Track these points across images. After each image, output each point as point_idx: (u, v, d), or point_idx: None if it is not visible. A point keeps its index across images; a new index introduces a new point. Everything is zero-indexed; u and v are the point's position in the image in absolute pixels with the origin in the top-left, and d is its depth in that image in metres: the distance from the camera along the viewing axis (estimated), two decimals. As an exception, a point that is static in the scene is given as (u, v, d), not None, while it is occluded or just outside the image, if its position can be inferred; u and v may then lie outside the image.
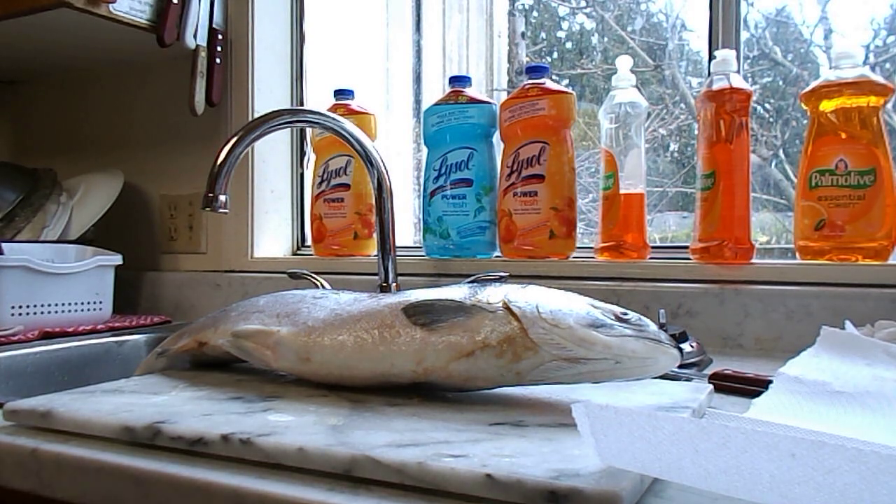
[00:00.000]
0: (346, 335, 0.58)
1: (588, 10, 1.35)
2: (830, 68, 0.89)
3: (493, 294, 0.55)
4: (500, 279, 0.97)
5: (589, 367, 0.51)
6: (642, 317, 0.54)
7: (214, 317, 0.70)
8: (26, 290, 1.12)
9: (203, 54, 1.29)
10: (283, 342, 0.61)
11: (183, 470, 0.45)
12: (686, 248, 0.99)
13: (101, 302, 1.23)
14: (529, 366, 0.52)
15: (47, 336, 1.08)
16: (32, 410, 0.55)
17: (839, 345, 0.64)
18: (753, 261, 0.93)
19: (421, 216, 1.18)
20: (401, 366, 0.55)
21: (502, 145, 1.11)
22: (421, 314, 0.56)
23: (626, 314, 0.54)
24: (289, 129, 1.37)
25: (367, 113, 1.22)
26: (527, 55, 1.38)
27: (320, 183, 1.25)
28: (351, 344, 0.58)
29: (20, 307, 1.11)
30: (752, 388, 0.62)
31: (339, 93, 1.24)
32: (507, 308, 0.53)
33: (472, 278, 0.97)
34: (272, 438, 0.46)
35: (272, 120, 0.90)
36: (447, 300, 0.56)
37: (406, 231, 1.37)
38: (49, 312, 1.15)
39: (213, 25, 1.30)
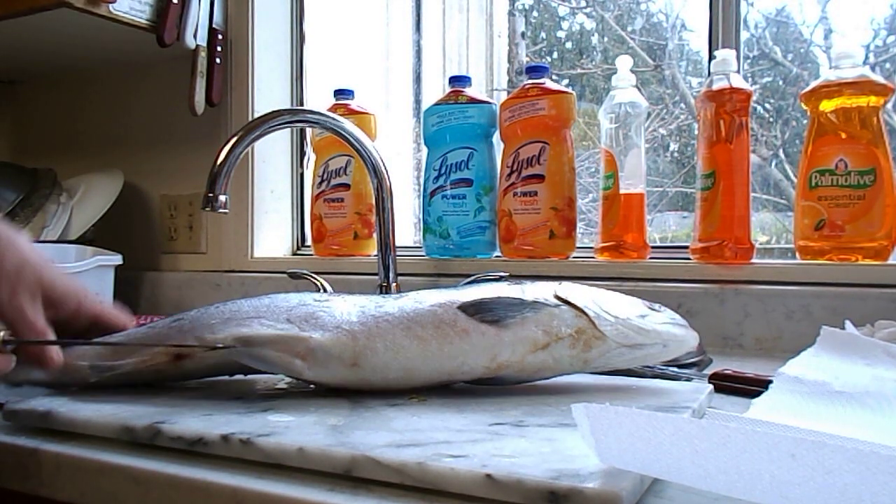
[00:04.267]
0: (402, 337, 0.56)
1: (588, 10, 1.35)
2: (830, 68, 0.89)
3: (540, 290, 0.58)
4: (500, 279, 0.97)
5: (644, 352, 0.57)
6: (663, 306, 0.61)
7: (178, 328, 0.60)
8: (26, 290, 1.11)
9: (203, 54, 1.28)
10: (323, 348, 0.55)
11: (183, 470, 0.45)
12: (686, 248, 0.99)
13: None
14: (597, 354, 0.56)
15: (47, 336, 1.08)
16: (32, 410, 0.55)
17: (839, 345, 0.64)
18: (753, 261, 0.93)
19: (421, 216, 1.18)
20: (472, 363, 0.56)
21: (502, 145, 1.11)
22: (485, 311, 0.56)
23: (653, 305, 0.60)
24: (289, 129, 1.37)
25: (367, 113, 1.22)
26: (527, 55, 1.38)
27: (320, 183, 1.25)
28: (412, 345, 0.55)
29: (20, 307, 1.11)
30: (752, 388, 0.62)
31: (339, 93, 1.24)
32: (566, 302, 0.57)
33: (472, 278, 0.98)
34: (272, 438, 0.46)
35: (272, 120, 0.90)
36: (509, 297, 0.57)
37: (406, 231, 1.37)
38: (49, 312, 1.14)
39: (213, 25, 1.30)
